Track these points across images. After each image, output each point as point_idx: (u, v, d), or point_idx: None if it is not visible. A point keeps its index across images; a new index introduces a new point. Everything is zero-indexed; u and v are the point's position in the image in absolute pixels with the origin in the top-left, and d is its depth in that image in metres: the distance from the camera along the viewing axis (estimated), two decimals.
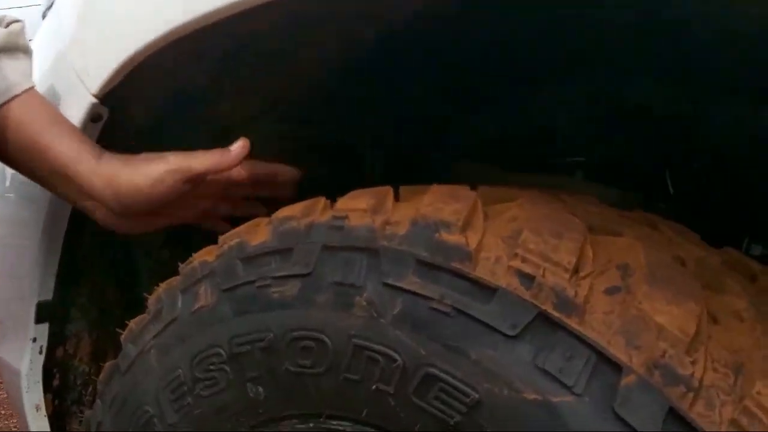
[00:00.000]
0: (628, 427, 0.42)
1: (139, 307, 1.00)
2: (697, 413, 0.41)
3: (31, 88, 0.73)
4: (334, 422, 0.60)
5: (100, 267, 0.94)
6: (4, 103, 0.70)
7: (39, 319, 0.87)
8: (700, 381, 0.42)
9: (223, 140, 0.92)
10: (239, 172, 0.77)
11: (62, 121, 0.73)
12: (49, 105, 0.74)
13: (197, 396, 0.67)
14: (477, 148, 1.01)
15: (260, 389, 0.63)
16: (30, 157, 0.72)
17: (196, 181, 0.74)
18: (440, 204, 0.56)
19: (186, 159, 0.72)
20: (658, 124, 0.88)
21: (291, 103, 0.92)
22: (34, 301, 0.87)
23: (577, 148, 0.94)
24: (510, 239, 0.52)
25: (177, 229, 0.82)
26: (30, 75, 0.73)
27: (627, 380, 0.43)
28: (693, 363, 0.43)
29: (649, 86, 0.87)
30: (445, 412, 0.50)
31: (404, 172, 1.06)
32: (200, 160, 0.72)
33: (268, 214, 0.76)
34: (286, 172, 0.80)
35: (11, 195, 0.87)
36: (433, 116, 0.98)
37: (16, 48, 0.71)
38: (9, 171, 0.78)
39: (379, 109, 0.96)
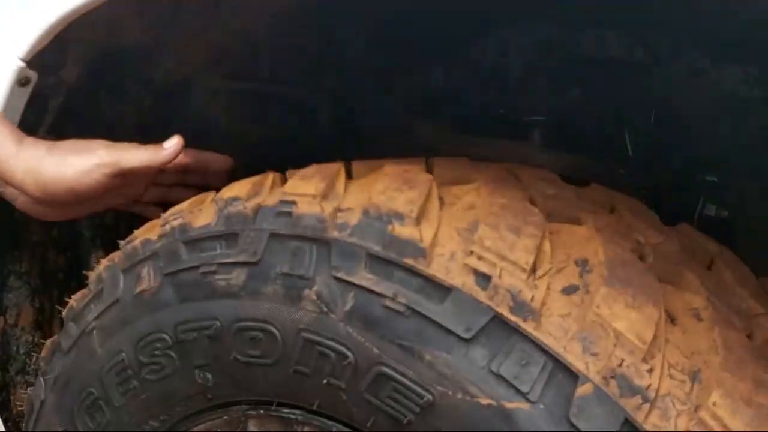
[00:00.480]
0: None
1: (83, 269, 0.96)
2: (652, 424, 0.41)
3: None
4: (285, 410, 0.59)
5: (39, 232, 0.89)
6: None
7: None
8: (657, 391, 0.41)
9: (164, 97, 0.87)
10: (175, 149, 0.72)
11: None
12: None
13: (144, 380, 0.65)
14: (430, 102, 0.98)
15: (209, 376, 0.61)
16: None
17: (125, 176, 0.70)
18: (393, 192, 0.53)
19: (116, 153, 0.68)
20: (613, 75, 0.85)
21: (233, 56, 0.87)
22: None
23: (531, 104, 0.91)
24: (466, 232, 0.49)
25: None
26: None
27: (583, 389, 0.42)
28: (650, 371, 0.42)
29: (603, 37, 0.84)
30: (398, 411, 0.49)
31: (353, 123, 1.02)
32: (131, 156, 0.68)
33: None
34: (218, 160, 0.76)
35: None
36: (378, 68, 0.94)
37: None
38: None
39: (323, 60, 0.92)
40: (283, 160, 0.95)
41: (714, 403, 0.41)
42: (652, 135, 0.85)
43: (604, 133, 0.85)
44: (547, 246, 0.48)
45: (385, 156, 0.77)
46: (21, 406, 0.92)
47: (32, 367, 0.92)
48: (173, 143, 0.70)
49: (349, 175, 0.64)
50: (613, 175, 0.78)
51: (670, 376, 0.42)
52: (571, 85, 0.90)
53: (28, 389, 0.78)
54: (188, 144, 0.73)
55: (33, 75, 0.70)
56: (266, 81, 0.93)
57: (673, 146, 0.86)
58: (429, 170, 0.63)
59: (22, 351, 0.91)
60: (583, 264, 0.48)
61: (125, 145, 0.70)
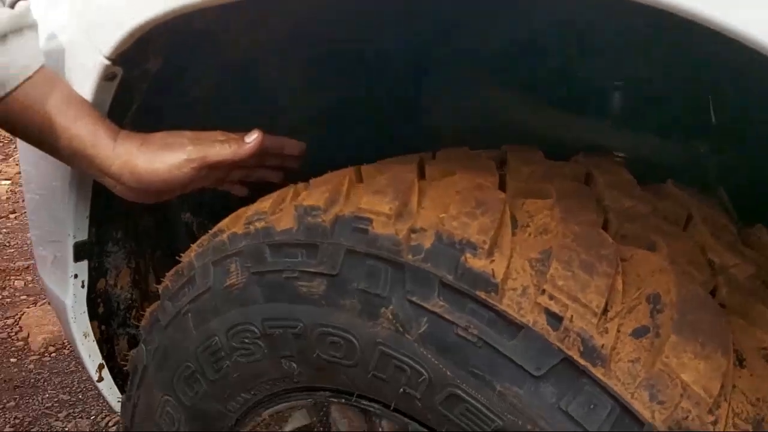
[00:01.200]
0: None
1: (171, 228, 1.02)
2: None
3: (42, 67, 0.70)
4: (365, 402, 0.63)
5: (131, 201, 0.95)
6: (17, 87, 0.67)
7: (77, 258, 0.90)
8: None
9: (241, 73, 0.88)
10: (255, 142, 0.78)
11: (77, 101, 0.71)
12: (62, 82, 0.72)
13: (235, 362, 0.71)
14: (500, 62, 0.95)
15: (294, 365, 0.66)
16: (47, 139, 0.71)
17: (211, 168, 0.76)
18: (466, 217, 0.54)
19: (203, 149, 0.74)
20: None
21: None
22: (72, 242, 0.89)
23: (612, 68, 0.88)
24: (539, 264, 0.51)
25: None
26: (39, 53, 0.70)
27: None
28: (714, 423, 0.44)
29: None
30: (470, 427, 0.53)
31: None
32: (216, 151, 0.74)
33: (283, 180, 0.76)
34: (293, 145, 0.82)
35: None
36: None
37: (23, 27, 0.67)
38: None
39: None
40: (351, 128, 0.96)
41: None
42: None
43: (690, 104, 0.81)
44: (619, 283, 0.49)
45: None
46: (124, 355, 1.02)
47: (131, 320, 1.01)
48: (253, 138, 0.75)
49: (422, 174, 0.65)
50: (696, 160, 0.76)
51: (734, 426, 0.44)
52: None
53: (131, 351, 0.85)
54: (262, 119, 0.78)
55: (118, 70, 0.73)
56: (342, 42, 0.92)
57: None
58: (502, 173, 0.63)
59: (122, 307, 0.99)
60: (654, 301, 0.49)
61: (211, 138, 0.76)
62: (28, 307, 2.42)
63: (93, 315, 0.96)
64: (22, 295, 2.54)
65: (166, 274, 0.80)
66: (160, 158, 0.73)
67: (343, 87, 0.95)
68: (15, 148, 4.70)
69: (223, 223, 0.74)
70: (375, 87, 0.97)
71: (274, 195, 0.70)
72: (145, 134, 0.75)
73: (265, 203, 0.70)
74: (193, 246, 0.77)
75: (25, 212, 3.41)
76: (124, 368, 1.02)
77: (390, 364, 0.56)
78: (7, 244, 2.96)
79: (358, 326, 0.58)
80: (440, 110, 0.99)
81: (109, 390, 1.01)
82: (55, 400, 1.93)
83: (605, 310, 0.48)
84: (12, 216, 3.32)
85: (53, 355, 2.14)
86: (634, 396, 0.45)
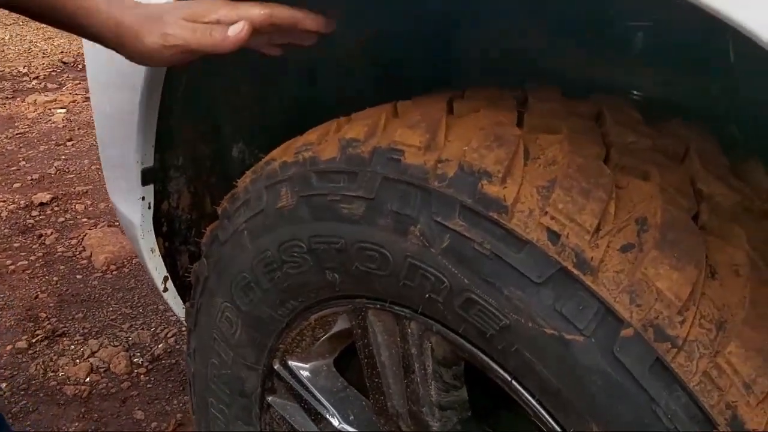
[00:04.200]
0: (623, 367, 0.54)
1: (224, 157, 1.13)
2: (677, 363, 0.52)
3: None
4: (397, 307, 0.74)
5: (190, 130, 1.05)
6: None
7: (144, 182, 1.02)
8: (685, 338, 0.52)
9: None
10: (261, 18, 0.75)
11: None
12: None
13: (285, 272, 0.82)
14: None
15: (336, 276, 0.77)
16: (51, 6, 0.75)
17: (195, 54, 0.75)
18: (484, 150, 0.63)
19: (183, 34, 0.73)
20: None
21: None
22: (140, 168, 1.00)
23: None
24: (543, 191, 0.60)
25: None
26: None
27: (626, 332, 0.54)
28: (682, 323, 0.53)
29: None
30: (483, 326, 0.63)
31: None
32: (198, 41, 0.73)
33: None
34: (309, 20, 0.76)
35: (113, 75, 0.96)
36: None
37: None
38: (108, 56, 0.84)
39: None
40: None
41: (730, 351, 0.51)
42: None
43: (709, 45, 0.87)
44: (612, 207, 0.58)
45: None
46: (185, 269, 1.15)
47: (192, 238, 1.13)
48: (237, 30, 0.73)
49: (450, 110, 0.73)
50: (711, 100, 0.82)
51: (700, 325, 0.53)
52: None
53: (193, 265, 0.97)
54: None
55: None
56: None
57: None
58: (521, 110, 0.71)
59: (183, 227, 1.12)
60: (641, 223, 0.57)
61: (194, 28, 0.73)
62: (89, 229, 2.60)
63: (158, 233, 1.08)
64: (83, 218, 2.71)
65: (224, 197, 0.91)
66: (141, 38, 0.73)
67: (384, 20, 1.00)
68: (68, 77, 4.86)
69: (274, 153, 0.84)
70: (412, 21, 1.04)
71: (320, 128, 0.80)
72: (143, 4, 0.75)
73: (311, 135, 0.79)
74: (248, 173, 0.87)
75: (81, 139, 3.57)
76: (186, 280, 1.15)
77: (417, 273, 0.67)
78: (67, 170, 3.13)
79: (391, 242, 0.68)
80: (469, 50, 1.05)
81: (174, 299, 1.14)
82: (119, 313, 2.11)
83: (597, 230, 0.57)
84: (69, 143, 3.49)
85: (114, 273, 2.32)
86: (616, 300, 0.54)
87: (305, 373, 0.91)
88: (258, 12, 0.74)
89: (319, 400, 0.89)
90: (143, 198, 1.04)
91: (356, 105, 0.81)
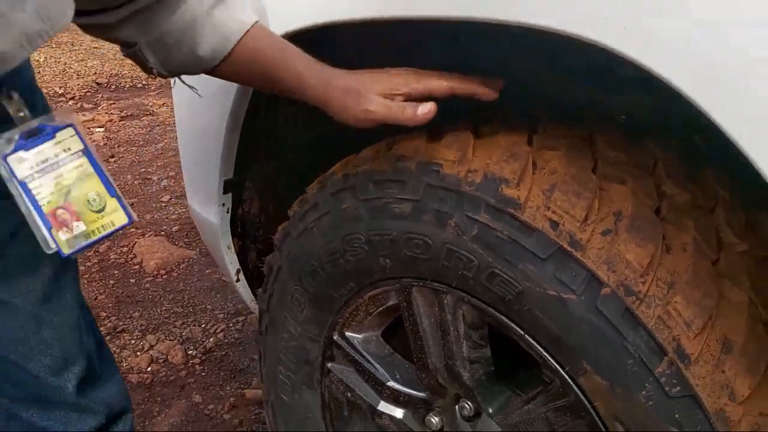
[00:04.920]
0: (603, 316, 0.76)
1: (287, 174, 1.36)
2: (640, 311, 0.75)
3: (257, 21, 0.87)
4: (436, 284, 0.97)
5: (261, 149, 1.29)
6: (241, 38, 0.86)
7: (225, 191, 1.26)
8: (645, 293, 0.75)
9: None
10: (444, 90, 0.86)
11: (290, 45, 0.88)
12: (273, 34, 0.90)
13: (346, 260, 1.05)
14: None
15: (387, 261, 1.00)
16: (272, 78, 0.88)
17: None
18: (503, 162, 0.86)
19: (381, 111, 0.84)
20: None
21: None
22: (221, 179, 1.24)
23: None
24: (547, 192, 0.82)
25: None
26: (251, 10, 0.87)
27: (605, 291, 0.76)
28: (643, 283, 0.75)
29: None
30: (503, 292, 0.86)
31: None
32: (393, 116, 0.84)
33: None
34: (482, 93, 0.87)
35: (202, 104, 1.19)
36: None
37: None
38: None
39: None
40: None
41: (676, 302, 0.74)
42: None
43: None
44: (596, 204, 0.80)
45: None
46: (254, 264, 1.38)
47: (260, 237, 1.36)
48: (425, 111, 0.84)
49: (476, 135, 0.96)
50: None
51: (656, 285, 0.75)
52: None
53: (267, 257, 1.20)
54: None
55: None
56: None
57: None
58: (531, 133, 0.94)
59: (253, 228, 1.35)
60: (617, 215, 0.80)
61: (398, 88, 0.85)
62: (138, 238, 2.84)
63: (233, 233, 1.32)
64: (131, 227, 2.96)
65: (293, 202, 1.14)
66: (346, 110, 0.86)
67: None
68: (102, 97, 5.14)
69: (337, 166, 1.07)
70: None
71: (373, 147, 1.03)
72: (346, 76, 0.87)
73: (367, 153, 1.02)
74: (314, 183, 1.10)
75: (122, 156, 3.82)
76: (255, 272, 1.39)
77: (453, 256, 0.89)
78: None
79: (432, 232, 0.91)
80: None
81: (244, 289, 1.38)
82: (171, 312, 2.35)
83: (585, 219, 0.79)
84: (111, 160, 3.75)
85: (164, 276, 2.56)
86: (599, 268, 0.77)
87: (359, 343, 1.14)
88: (443, 85, 0.85)
89: (371, 364, 1.12)
90: (223, 204, 1.27)
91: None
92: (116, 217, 0.83)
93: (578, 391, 0.82)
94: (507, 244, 0.83)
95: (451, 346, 0.98)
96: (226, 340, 2.19)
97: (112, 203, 0.82)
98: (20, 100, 0.78)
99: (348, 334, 1.14)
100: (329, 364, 1.18)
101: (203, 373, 2.05)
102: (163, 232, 2.88)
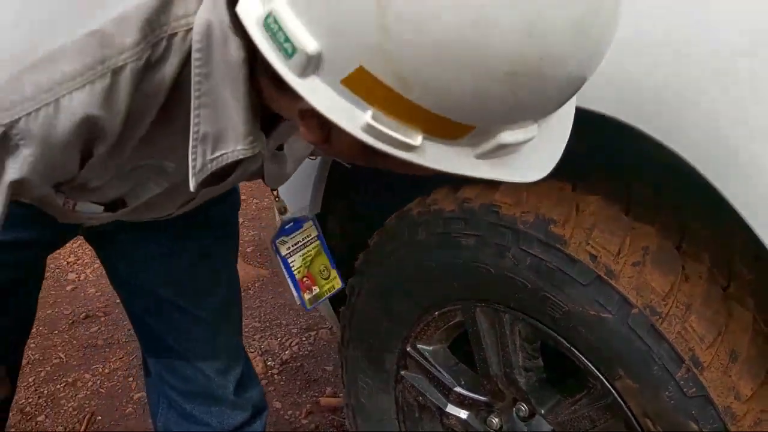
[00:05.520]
0: (633, 331, 0.95)
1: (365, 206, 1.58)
2: (663, 327, 0.93)
3: None
4: (495, 305, 1.16)
5: (347, 187, 1.51)
6: None
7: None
8: (667, 313, 0.93)
9: None
10: None
11: None
12: None
13: (419, 285, 1.26)
14: None
15: (455, 284, 1.20)
16: None
17: None
18: (553, 205, 1.05)
19: None
20: None
21: None
22: (313, 214, 1.46)
23: None
24: (587, 231, 1.01)
25: None
26: None
27: (634, 311, 0.95)
28: (665, 305, 0.93)
29: None
30: (552, 313, 1.05)
31: None
32: None
33: None
34: None
35: None
36: None
37: None
38: None
39: None
40: None
41: (691, 320, 0.92)
42: None
43: None
44: (628, 241, 0.99)
45: None
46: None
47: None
48: None
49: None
50: None
51: (676, 306, 0.93)
52: None
53: (350, 280, 1.42)
54: None
55: None
56: None
57: None
58: (575, 182, 1.13)
59: (336, 254, 1.57)
60: (645, 250, 0.98)
61: None
62: None
63: None
64: None
65: (373, 233, 1.35)
66: None
67: None
68: None
69: (410, 205, 1.28)
70: None
71: (441, 190, 1.23)
72: None
73: (437, 195, 1.23)
74: (392, 217, 1.31)
75: None
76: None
77: (510, 282, 1.09)
78: None
79: (493, 262, 1.11)
80: None
81: (326, 307, 1.60)
82: (250, 327, 2.59)
83: (618, 253, 0.98)
84: None
85: (243, 294, 2.81)
86: (629, 293, 0.96)
87: (429, 354, 1.34)
88: None
89: (439, 372, 1.32)
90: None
91: None
92: (336, 282, 1.21)
93: (615, 393, 1.01)
94: (555, 273, 1.03)
95: (509, 356, 1.17)
96: (300, 353, 2.42)
97: (333, 273, 1.19)
98: (283, 200, 1.03)
99: (420, 346, 1.34)
100: (402, 372, 1.38)
101: (281, 382, 2.27)
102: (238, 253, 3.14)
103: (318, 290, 1.16)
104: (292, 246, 1.17)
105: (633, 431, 0.99)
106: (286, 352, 2.41)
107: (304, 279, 1.17)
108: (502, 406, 1.26)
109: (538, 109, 0.58)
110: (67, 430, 2.12)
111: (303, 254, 1.17)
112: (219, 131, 0.70)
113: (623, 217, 1.03)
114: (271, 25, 0.55)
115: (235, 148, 0.71)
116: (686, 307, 0.94)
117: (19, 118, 0.61)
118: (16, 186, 0.65)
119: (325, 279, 1.18)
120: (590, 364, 1.03)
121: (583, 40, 0.53)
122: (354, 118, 0.56)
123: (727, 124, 0.79)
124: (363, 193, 1.54)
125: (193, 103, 0.68)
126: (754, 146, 0.77)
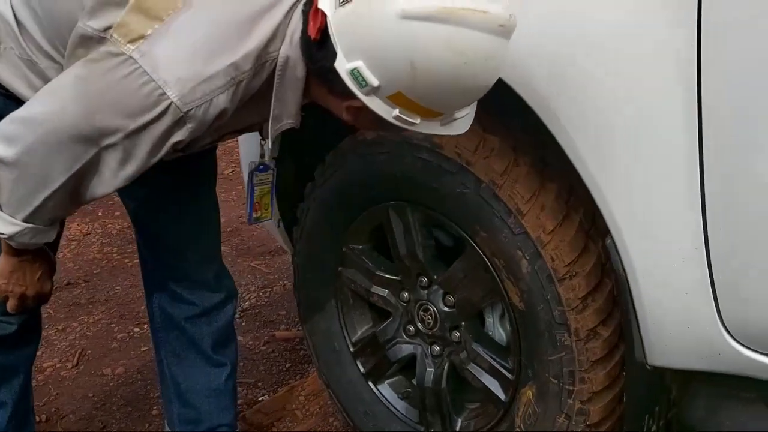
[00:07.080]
0: (482, 199, 1.48)
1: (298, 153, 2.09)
2: (500, 193, 1.46)
3: None
4: (401, 201, 1.68)
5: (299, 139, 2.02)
6: None
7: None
8: (502, 185, 1.47)
9: None
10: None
11: None
12: None
13: (352, 195, 1.77)
14: None
15: (374, 190, 1.72)
16: None
17: None
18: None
19: None
20: None
21: None
22: (273, 155, 1.97)
23: None
24: (457, 140, 1.55)
25: None
26: None
27: (483, 185, 1.49)
28: (502, 180, 1.47)
29: None
30: (435, 197, 1.57)
31: None
32: None
33: None
34: None
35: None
36: None
37: None
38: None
39: None
40: None
41: (517, 187, 1.46)
42: None
43: None
44: (482, 143, 1.53)
45: None
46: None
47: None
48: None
49: None
50: None
51: (508, 181, 1.47)
52: None
53: (300, 204, 1.92)
54: None
55: None
56: None
57: None
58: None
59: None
60: (491, 148, 1.53)
61: None
62: None
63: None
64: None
65: (318, 166, 1.86)
66: None
67: None
68: None
69: (342, 142, 1.79)
70: None
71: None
72: None
73: (361, 133, 1.75)
74: (329, 153, 1.82)
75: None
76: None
77: (410, 180, 1.61)
78: None
79: (398, 168, 1.63)
80: None
81: (281, 234, 2.09)
82: None
83: (475, 150, 1.52)
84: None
85: None
86: (479, 173, 1.49)
87: (359, 251, 1.84)
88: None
89: (366, 263, 1.83)
90: None
91: None
92: (269, 214, 1.69)
93: (476, 246, 1.53)
94: (435, 168, 1.55)
95: (411, 238, 1.69)
96: (258, 303, 2.89)
97: (270, 208, 1.69)
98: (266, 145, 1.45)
99: (352, 245, 1.85)
100: (340, 268, 1.88)
101: (243, 324, 2.73)
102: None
103: (260, 215, 1.66)
104: (258, 181, 1.66)
105: (494, 280, 1.52)
106: (246, 303, 2.88)
107: (256, 203, 1.67)
108: (408, 281, 1.77)
109: (471, 102, 1.16)
110: (62, 361, 2.53)
111: (260, 189, 1.67)
112: (281, 113, 1.26)
113: (488, 136, 1.56)
114: (355, 73, 1.06)
115: (287, 121, 1.27)
116: (515, 180, 1.48)
117: (192, 108, 1.12)
118: (176, 144, 1.16)
119: (266, 210, 1.68)
120: (461, 229, 1.56)
121: (492, 73, 1.11)
122: (389, 112, 1.10)
123: None
124: (310, 142, 2.06)
125: (273, 99, 1.23)
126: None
